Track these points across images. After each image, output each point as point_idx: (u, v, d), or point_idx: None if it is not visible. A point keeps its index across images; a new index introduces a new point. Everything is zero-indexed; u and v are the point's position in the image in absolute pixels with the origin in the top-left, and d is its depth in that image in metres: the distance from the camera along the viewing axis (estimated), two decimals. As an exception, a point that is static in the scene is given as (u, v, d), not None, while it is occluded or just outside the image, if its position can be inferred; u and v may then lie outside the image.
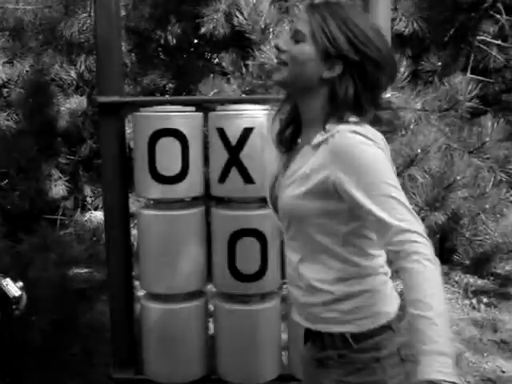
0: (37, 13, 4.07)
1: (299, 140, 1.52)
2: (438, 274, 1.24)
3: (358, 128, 1.33)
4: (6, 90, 4.08)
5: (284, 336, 2.40)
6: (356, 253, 1.43)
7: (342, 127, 1.34)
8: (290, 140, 1.54)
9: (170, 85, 4.34)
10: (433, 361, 1.18)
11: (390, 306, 1.46)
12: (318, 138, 1.37)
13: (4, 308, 1.81)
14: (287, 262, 1.54)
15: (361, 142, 1.32)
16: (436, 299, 1.22)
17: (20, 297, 1.84)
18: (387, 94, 1.50)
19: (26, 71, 4.02)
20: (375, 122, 1.39)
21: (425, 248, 1.25)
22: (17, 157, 3.86)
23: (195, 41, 4.62)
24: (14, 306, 1.83)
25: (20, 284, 1.87)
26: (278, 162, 1.57)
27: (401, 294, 1.42)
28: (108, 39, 2.25)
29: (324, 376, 1.48)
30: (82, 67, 4.07)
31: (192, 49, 4.74)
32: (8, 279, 1.84)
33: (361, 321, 1.42)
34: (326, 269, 1.43)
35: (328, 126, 1.36)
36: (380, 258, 1.47)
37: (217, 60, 4.35)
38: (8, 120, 4.00)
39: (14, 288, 1.83)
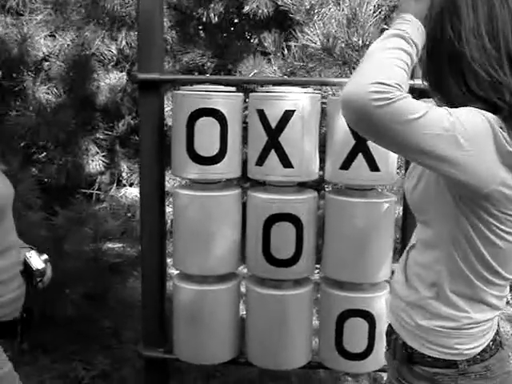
0: (80, -14, 4.07)
1: None
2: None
3: None
4: (47, 63, 4.10)
5: (315, 323, 2.37)
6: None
7: None
8: None
9: (209, 64, 4.31)
10: None
11: (468, 348, 1.26)
12: None
13: (29, 280, 1.81)
14: None
15: None
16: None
17: (44, 270, 1.83)
18: None
19: (68, 45, 4.03)
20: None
21: None
22: (55, 130, 3.88)
23: (236, 20, 4.58)
24: (38, 279, 1.83)
25: (44, 257, 1.86)
26: None
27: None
28: (150, 15, 2.22)
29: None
30: (123, 43, 4.07)
31: (233, 28, 4.69)
32: (33, 252, 1.83)
33: (428, 343, 1.27)
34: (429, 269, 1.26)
35: None
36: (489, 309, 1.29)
37: (257, 40, 4.30)
38: (48, 94, 4.03)
39: (37, 261, 1.82)
